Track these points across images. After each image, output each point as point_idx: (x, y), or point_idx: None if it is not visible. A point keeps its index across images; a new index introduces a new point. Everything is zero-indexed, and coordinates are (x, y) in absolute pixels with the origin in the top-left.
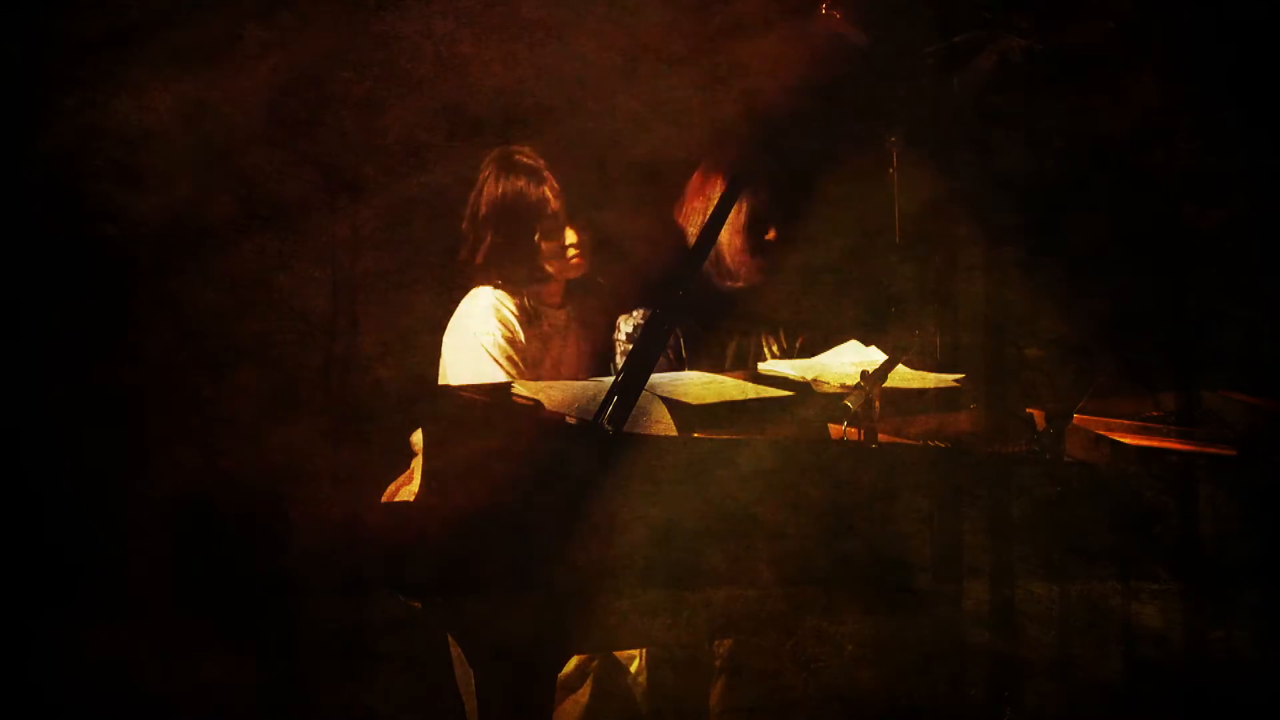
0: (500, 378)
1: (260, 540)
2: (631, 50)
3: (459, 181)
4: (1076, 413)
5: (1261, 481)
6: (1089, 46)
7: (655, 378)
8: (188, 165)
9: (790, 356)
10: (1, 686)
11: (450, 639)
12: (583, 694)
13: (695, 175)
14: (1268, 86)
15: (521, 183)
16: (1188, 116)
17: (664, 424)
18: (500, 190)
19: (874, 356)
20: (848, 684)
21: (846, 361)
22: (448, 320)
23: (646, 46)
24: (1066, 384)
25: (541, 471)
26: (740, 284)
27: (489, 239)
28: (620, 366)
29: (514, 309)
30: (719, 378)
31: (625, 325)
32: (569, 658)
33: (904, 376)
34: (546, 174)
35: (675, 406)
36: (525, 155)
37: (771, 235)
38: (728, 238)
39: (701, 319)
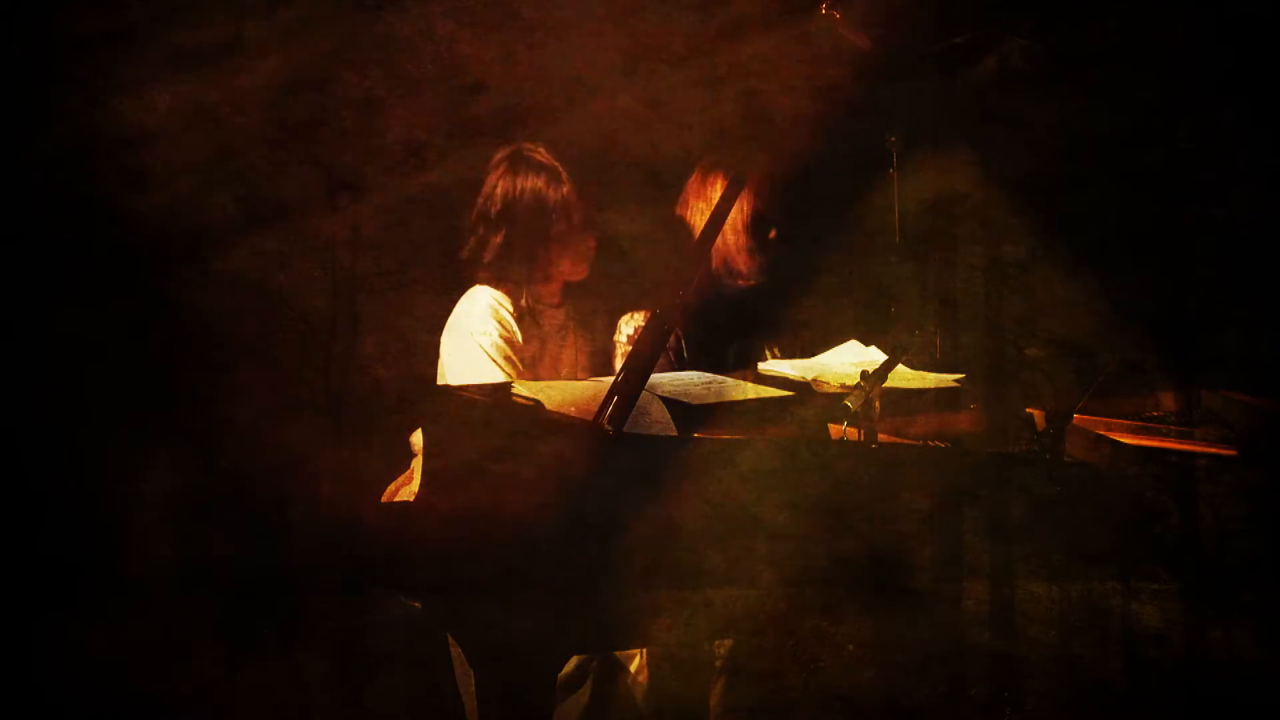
0: (499, 378)
1: (260, 540)
2: (631, 50)
3: (459, 181)
4: (1076, 413)
5: (1261, 481)
6: (1089, 46)
7: (655, 378)
8: (188, 165)
9: (791, 357)
10: (2, 686)
11: (450, 639)
12: (583, 694)
13: (695, 175)
14: (1268, 86)
15: (540, 183)
16: (1188, 116)
17: (664, 424)
18: (517, 189)
19: (874, 356)
20: (848, 684)
21: (846, 361)
22: (447, 320)
23: (646, 46)
24: (1066, 384)
25: (541, 471)
26: (742, 283)
27: (498, 238)
28: (620, 367)
29: (511, 309)
30: (719, 378)
31: (626, 327)
32: (569, 658)
33: (904, 376)
34: (564, 174)
35: (675, 406)
36: (540, 154)
37: (774, 235)
38: (731, 237)
39: (702, 319)
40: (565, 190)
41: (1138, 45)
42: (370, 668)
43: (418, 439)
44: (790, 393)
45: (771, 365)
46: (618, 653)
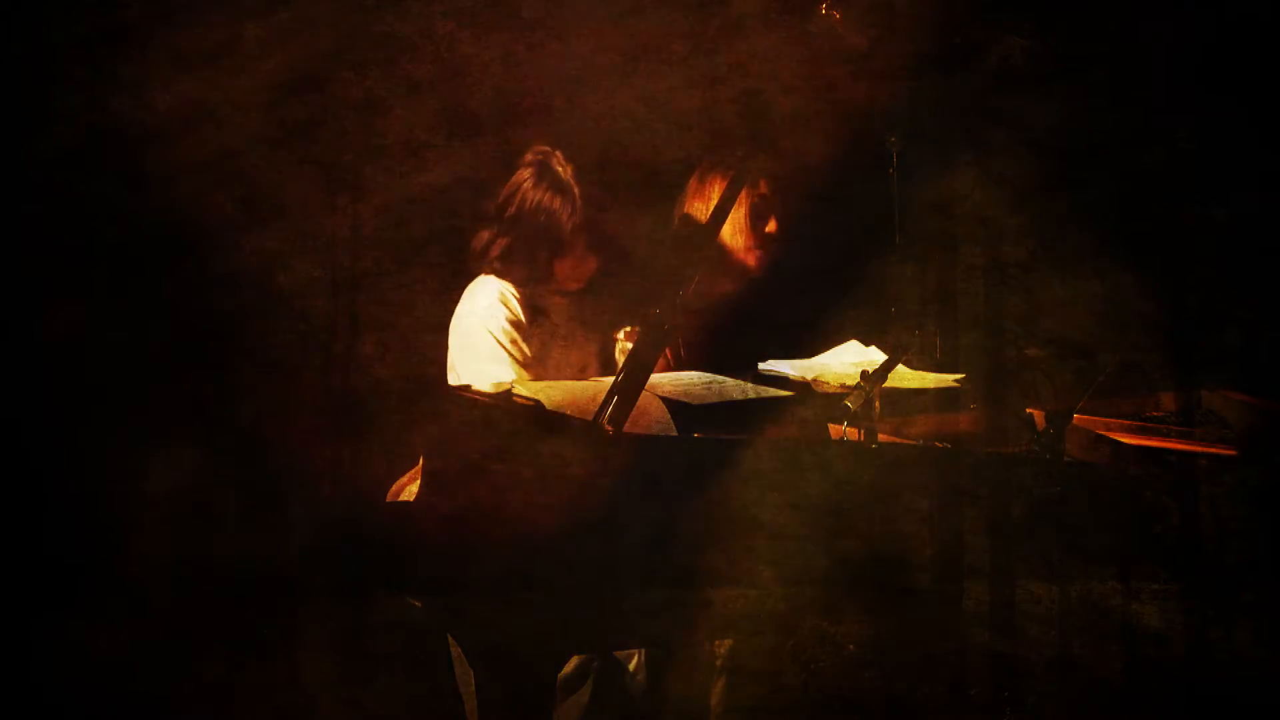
0: (508, 366)
1: (260, 540)
2: (631, 50)
3: (459, 181)
4: (1076, 413)
5: (1261, 481)
6: (1089, 46)
7: (655, 378)
8: (188, 165)
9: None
10: (2, 686)
11: (450, 639)
12: (583, 694)
13: (695, 175)
14: (1268, 86)
15: (556, 204)
16: (1188, 116)
17: (664, 424)
18: (532, 202)
19: (874, 356)
20: (848, 684)
21: (846, 361)
22: (448, 320)
23: (646, 46)
24: (1066, 384)
25: (541, 471)
26: (742, 283)
27: (507, 240)
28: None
29: (519, 297)
30: (719, 378)
31: (626, 326)
32: (569, 658)
33: (904, 376)
34: (576, 191)
35: (675, 406)
36: (565, 172)
37: (773, 228)
38: (730, 234)
39: (702, 319)
40: (578, 219)
41: (1138, 45)
42: (370, 668)
43: None
44: (790, 393)
45: (771, 365)
46: (617, 653)
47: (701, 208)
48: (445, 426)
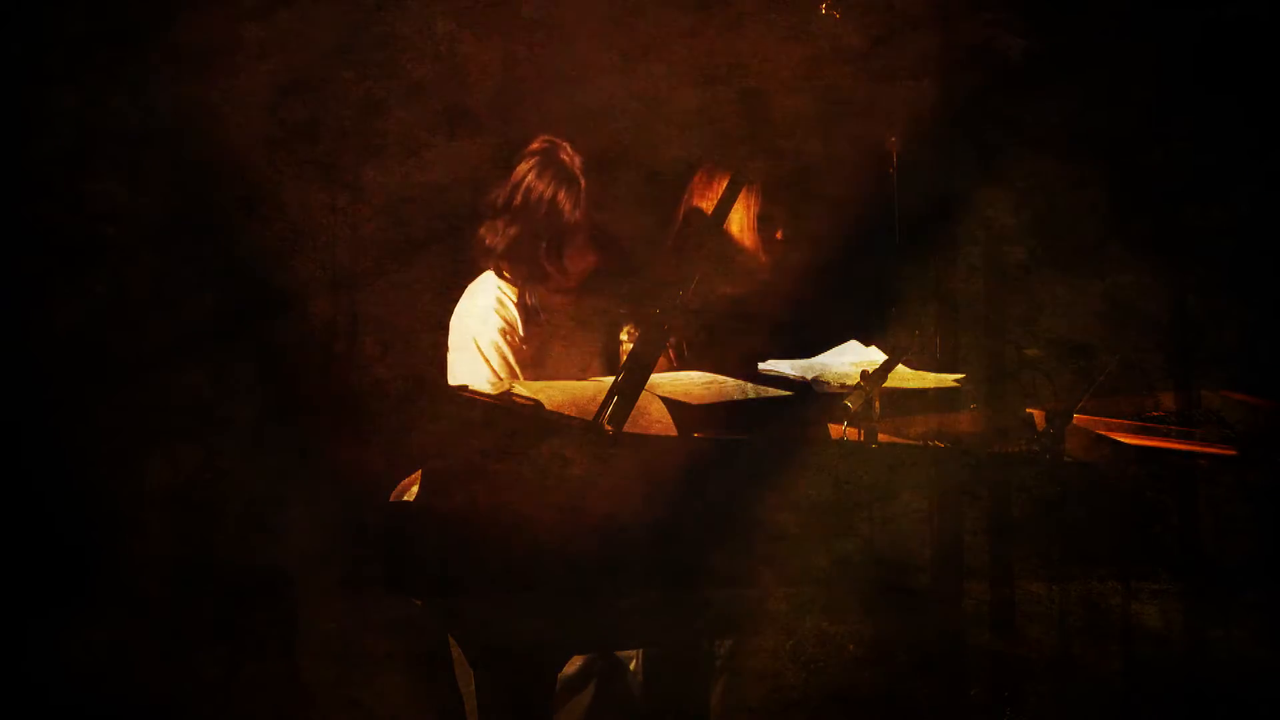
0: (504, 367)
1: (260, 540)
2: (631, 50)
3: (458, 181)
4: (1076, 413)
5: (1261, 481)
6: (1089, 46)
7: (655, 378)
8: (188, 165)
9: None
10: (2, 686)
11: (450, 639)
12: (585, 695)
13: (696, 176)
14: (1268, 86)
15: (560, 194)
16: (1188, 116)
17: (664, 424)
18: (535, 192)
19: (874, 356)
20: (848, 684)
21: (846, 361)
22: (448, 319)
23: (646, 46)
24: (1066, 384)
25: (541, 471)
26: (743, 283)
27: (513, 230)
28: (620, 366)
29: (515, 299)
30: (719, 378)
31: (627, 326)
32: (569, 658)
33: (904, 376)
34: (582, 182)
35: (675, 406)
36: (573, 162)
37: (780, 235)
38: (731, 237)
39: (702, 319)
40: (581, 209)
41: (1137, 45)
42: (370, 668)
43: None
44: (790, 393)
45: (771, 365)
46: (618, 653)
47: (702, 208)
48: (445, 426)
